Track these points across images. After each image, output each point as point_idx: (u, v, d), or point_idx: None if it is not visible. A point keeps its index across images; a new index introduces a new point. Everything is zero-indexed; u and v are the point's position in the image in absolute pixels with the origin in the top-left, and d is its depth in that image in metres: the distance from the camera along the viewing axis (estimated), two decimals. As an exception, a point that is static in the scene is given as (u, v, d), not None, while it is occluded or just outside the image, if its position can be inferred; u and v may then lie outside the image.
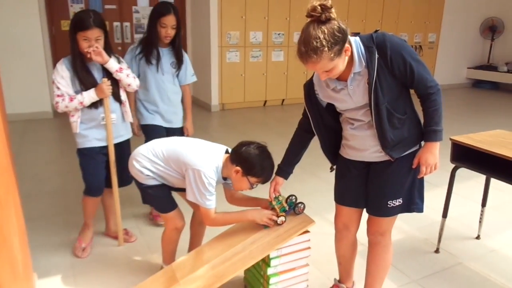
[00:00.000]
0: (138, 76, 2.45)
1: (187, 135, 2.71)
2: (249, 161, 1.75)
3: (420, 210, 1.68)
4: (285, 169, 1.85)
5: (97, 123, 2.16)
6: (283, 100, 6.68)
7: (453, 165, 2.31)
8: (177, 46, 2.54)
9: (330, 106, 1.68)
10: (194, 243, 2.17)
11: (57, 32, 5.56)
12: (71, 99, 2.05)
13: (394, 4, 7.19)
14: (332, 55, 1.37)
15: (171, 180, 1.90)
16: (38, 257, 2.20)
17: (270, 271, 1.79)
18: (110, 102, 2.15)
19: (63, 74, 2.05)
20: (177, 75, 2.63)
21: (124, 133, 2.32)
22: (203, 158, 1.78)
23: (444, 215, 2.41)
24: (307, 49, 1.36)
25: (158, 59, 2.50)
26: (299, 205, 1.88)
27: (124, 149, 2.31)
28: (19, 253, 1.58)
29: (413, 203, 1.67)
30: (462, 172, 2.32)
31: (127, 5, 5.98)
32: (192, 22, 6.41)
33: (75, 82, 2.07)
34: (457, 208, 2.98)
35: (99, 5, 5.78)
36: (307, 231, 1.82)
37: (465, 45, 8.54)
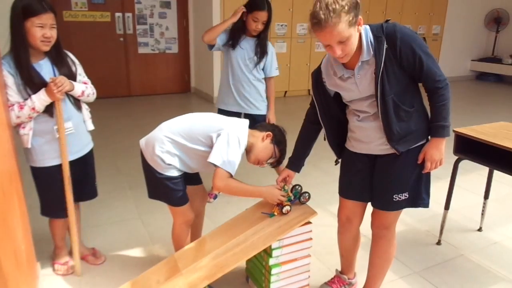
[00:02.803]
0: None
1: None
2: (282, 134, 1.86)
3: (426, 205, 1.67)
4: (296, 163, 1.85)
5: (53, 136, 1.82)
6: (286, 92, 6.65)
7: (456, 157, 2.30)
8: (262, 39, 2.67)
9: (338, 97, 1.66)
10: (193, 235, 2.17)
11: (59, 23, 5.53)
12: (21, 107, 1.71)
13: (398, -5, 7.12)
14: (350, 18, 1.34)
15: (194, 161, 1.82)
16: (42, 247, 2.21)
17: (271, 261, 1.80)
18: (66, 106, 1.81)
19: (7, 81, 1.70)
20: (263, 68, 2.75)
21: (85, 143, 2.00)
22: (239, 126, 1.79)
23: (447, 207, 2.41)
24: (325, 13, 1.32)
25: (240, 47, 2.66)
26: (305, 194, 1.89)
27: (87, 162, 2.03)
28: (22, 243, 1.59)
29: (420, 198, 1.65)
30: (465, 164, 2.31)
31: (129, -4, 5.96)
32: (194, 13, 6.37)
33: (20, 87, 1.72)
34: (460, 200, 2.97)
35: (101, -4, 5.76)
36: (309, 222, 1.82)
37: (469, 37, 8.46)
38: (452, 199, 2.41)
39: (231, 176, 1.72)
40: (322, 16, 1.33)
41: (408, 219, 2.73)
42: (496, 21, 8.35)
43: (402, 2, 7.22)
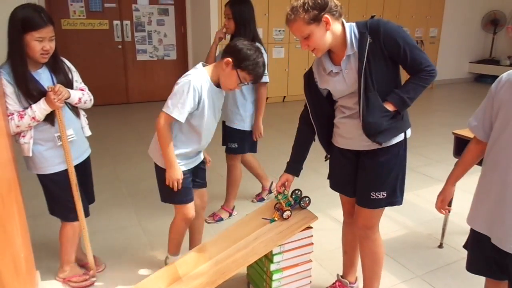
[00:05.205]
0: None
1: (255, 139, 2.67)
2: (243, 52, 1.74)
3: (400, 203, 1.71)
4: (295, 166, 1.85)
5: (54, 143, 1.84)
6: (284, 97, 6.66)
7: (456, 159, 2.29)
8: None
9: (329, 96, 1.70)
10: (194, 239, 2.18)
11: (57, 31, 5.54)
12: (21, 116, 1.71)
13: (395, -1, 7.16)
14: (307, 17, 1.44)
15: (188, 134, 1.86)
16: (41, 255, 2.20)
17: (273, 267, 1.78)
18: (66, 114, 1.83)
19: (6, 91, 1.70)
20: None
21: (84, 149, 2.02)
22: (192, 72, 1.81)
23: (448, 209, 2.40)
24: (290, 11, 1.48)
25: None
26: (305, 199, 1.88)
27: (86, 168, 2.04)
28: (21, 251, 1.58)
29: (395, 196, 1.68)
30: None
31: (127, 3, 5.97)
32: (192, 20, 6.39)
33: (20, 97, 1.72)
34: (461, 202, 2.95)
35: (99, 4, 5.78)
36: (309, 227, 1.81)
37: (467, 39, 8.49)
38: (453, 202, 2.39)
39: (175, 121, 1.77)
40: (288, 13, 1.49)
41: (409, 223, 2.72)
42: (493, 23, 8.38)
43: (398, 5, 7.25)
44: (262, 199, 3.07)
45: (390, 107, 1.53)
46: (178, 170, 1.83)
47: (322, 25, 1.46)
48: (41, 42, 1.70)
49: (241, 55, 1.74)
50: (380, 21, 1.51)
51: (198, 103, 1.78)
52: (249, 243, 1.76)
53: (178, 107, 1.74)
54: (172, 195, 1.91)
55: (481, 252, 1.45)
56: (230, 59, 1.75)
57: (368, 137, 1.56)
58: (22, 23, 1.66)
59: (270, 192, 3.11)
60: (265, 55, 2.54)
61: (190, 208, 1.96)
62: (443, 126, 5.17)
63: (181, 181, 1.85)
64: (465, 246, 1.55)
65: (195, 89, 1.75)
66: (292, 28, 1.50)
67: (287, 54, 6.41)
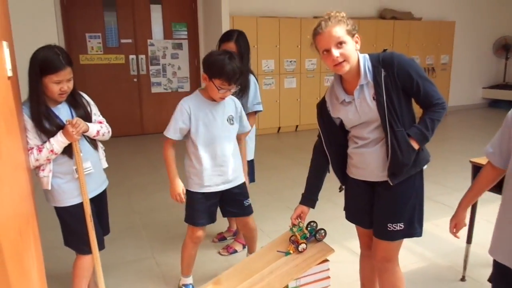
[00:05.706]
0: None
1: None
2: (208, 62, 1.91)
3: (419, 234, 1.67)
4: (310, 197, 1.84)
5: (72, 176, 1.87)
6: (297, 126, 6.69)
7: (474, 188, 2.24)
8: None
9: (342, 125, 1.71)
10: (249, 248, 2.36)
11: (76, 66, 5.76)
12: (40, 150, 1.76)
13: (405, 27, 7.24)
14: (348, 27, 1.50)
15: (200, 160, 2.00)
16: (56, 287, 2.19)
17: (289, 301, 1.73)
18: (84, 147, 1.88)
19: (27, 126, 1.75)
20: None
21: (102, 181, 2.04)
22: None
23: (469, 241, 2.33)
24: (326, 21, 1.50)
25: None
26: (321, 231, 1.85)
27: (102, 200, 2.07)
28: (37, 284, 1.58)
29: (413, 227, 1.65)
30: (485, 195, 2.24)
31: (143, 39, 6.20)
32: (205, 53, 6.55)
33: (39, 132, 1.77)
34: (482, 233, 2.85)
35: (116, 40, 6.01)
36: (326, 260, 1.77)
37: (479, 65, 8.48)
38: (474, 232, 2.33)
39: (172, 142, 2.00)
40: (323, 23, 1.51)
41: (428, 254, 2.64)
42: (504, 48, 8.38)
43: (408, 34, 7.34)
44: (224, 239, 2.84)
45: (414, 144, 1.53)
46: (177, 185, 2.02)
47: (354, 41, 1.53)
48: (58, 84, 1.76)
49: (207, 65, 1.92)
50: (394, 54, 1.54)
51: (190, 120, 1.97)
52: (264, 277, 1.73)
53: (168, 127, 1.98)
54: (188, 215, 2.11)
55: (506, 286, 1.39)
56: (204, 74, 1.93)
57: (391, 175, 1.55)
58: (40, 66, 1.73)
59: (235, 234, 2.83)
60: (254, 83, 2.49)
61: (196, 231, 2.10)
62: (459, 154, 5.09)
63: (182, 195, 2.01)
64: (490, 280, 1.49)
65: (182, 109, 1.98)
66: (330, 30, 1.48)
67: (299, 84, 6.49)
